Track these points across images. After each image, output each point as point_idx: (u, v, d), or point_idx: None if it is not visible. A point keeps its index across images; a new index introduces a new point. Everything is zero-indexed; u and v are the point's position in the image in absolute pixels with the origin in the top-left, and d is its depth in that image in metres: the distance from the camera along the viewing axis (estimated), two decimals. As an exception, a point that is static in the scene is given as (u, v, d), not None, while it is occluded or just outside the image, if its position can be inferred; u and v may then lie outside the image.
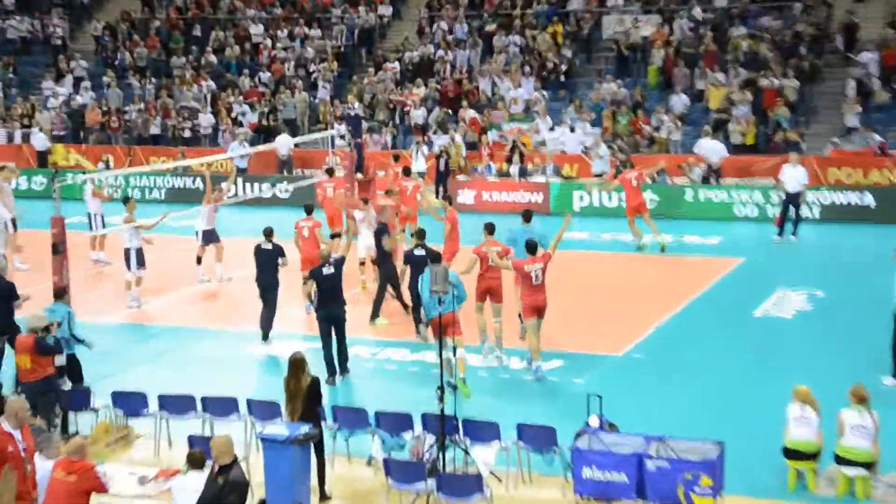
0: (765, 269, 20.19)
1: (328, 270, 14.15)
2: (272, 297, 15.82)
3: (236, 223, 24.58)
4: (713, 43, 29.81)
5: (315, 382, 10.74)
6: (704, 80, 29.17)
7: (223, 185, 20.80)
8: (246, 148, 28.07)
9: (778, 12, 30.60)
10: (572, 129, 27.19)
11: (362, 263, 18.42)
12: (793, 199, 21.84)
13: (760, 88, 28.20)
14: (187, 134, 31.68)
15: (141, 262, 18.17)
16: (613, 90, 29.48)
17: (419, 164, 26.11)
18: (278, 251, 15.85)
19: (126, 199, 18.78)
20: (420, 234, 15.29)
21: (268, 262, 15.79)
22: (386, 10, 35.20)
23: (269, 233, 16.06)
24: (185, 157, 28.20)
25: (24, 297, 14.11)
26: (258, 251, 15.89)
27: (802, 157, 25.27)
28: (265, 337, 15.87)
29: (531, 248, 14.32)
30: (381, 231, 16.64)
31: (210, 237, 19.52)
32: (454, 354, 13.41)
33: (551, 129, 27.88)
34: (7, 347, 13.59)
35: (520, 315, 15.26)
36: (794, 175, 21.80)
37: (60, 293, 13.71)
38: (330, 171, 20.58)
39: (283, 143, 28.58)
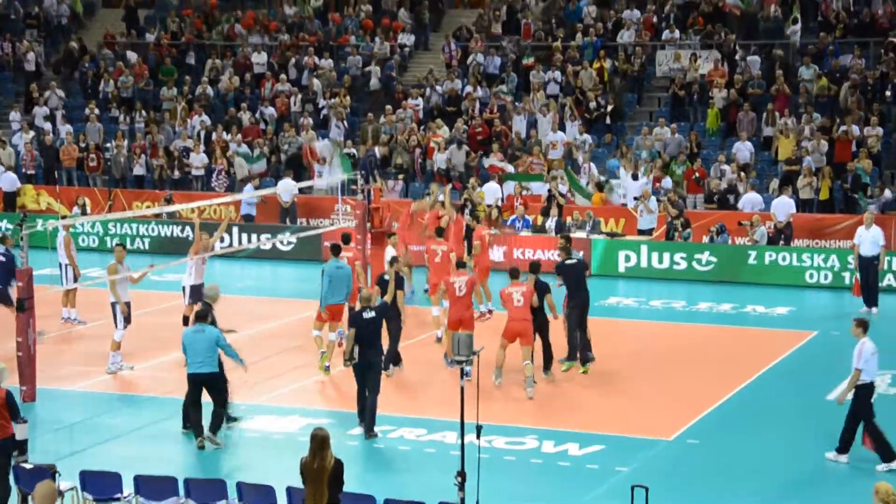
0: (841, 345, 20.03)
1: (369, 315, 15.19)
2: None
3: (230, 278, 24.80)
4: (784, 84, 30.04)
5: (339, 465, 10.63)
6: (772, 127, 29.36)
7: (214, 234, 21.01)
8: (260, 192, 28.24)
9: (860, 50, 30.85)
10: (635, 177, 27.34)
11: None
12: (867, 264, 21.87)
13: (837, 137, 28.37)
14: (176, 175, 32.05)
15: (128, 319, 18.34)
16: (667, 135, 29.72)
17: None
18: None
19: (118, 246, 18.98)
20: (366, 299, 15.66)
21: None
22: (407, 39, 35.71)
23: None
24: (172, 202, 28.51)
25: None
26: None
27: (886, 218, 25.34)
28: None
29: (513, 273, 17.45)
30: (397, 282, 17.68)
31: (198, 294, 19.64)
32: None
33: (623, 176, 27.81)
34: None
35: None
36: (868, 236, 21.86)
37: None
38: (346, 239, 20.23)
39: (286, 189, 28.87)
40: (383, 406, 15.93)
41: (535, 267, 17.93)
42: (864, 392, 14.19)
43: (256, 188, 28.55)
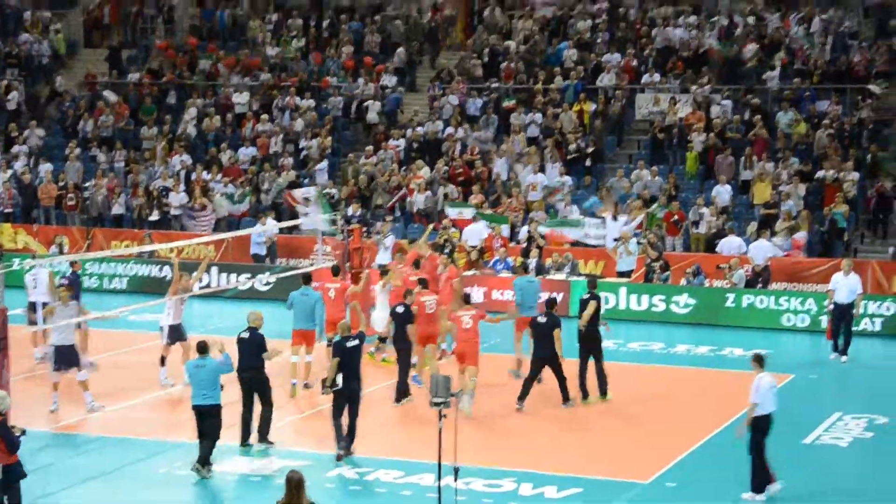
0: (818, 389, 20.25)
1: (352, 343, 15.69)
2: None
3: (208, 318, 24.78)
4: (762, 128, 30.33)
5: None
6: (751, 171, 29.62)
7: (193, 274, 21.03)
8: (269, 232, 28.23)
9: (837, 96, 31.19)
10: (615, 218, 27.49)
11: (382, 340, 20.81)
12: (843, 312, 21.77)
13: (815, 182, 28.62)
14: (155, 215, 32.08)
15: (67, 361, 18.09)
16: (647, 178, 29.94)
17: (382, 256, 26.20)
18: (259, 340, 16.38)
19: (60, 287, 19.03)
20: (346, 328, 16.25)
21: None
22: (389, 80, 35.94)
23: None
24: (151, 242, 28.51)
25: None
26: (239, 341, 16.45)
27: (862, 262, 25.54)
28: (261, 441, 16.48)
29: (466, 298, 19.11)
30: (408, 315, 18.44)
31: (176, 334, 19.66)
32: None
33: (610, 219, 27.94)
34: None
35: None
36: (846, 284, 21.72)
37: None
38: (335, 271, 20.84)
39: (266, 229, 28.88)
40: (361, 447, 15.94)
41: (550, 303, 18.62)
42: (759, 424, 14.46)
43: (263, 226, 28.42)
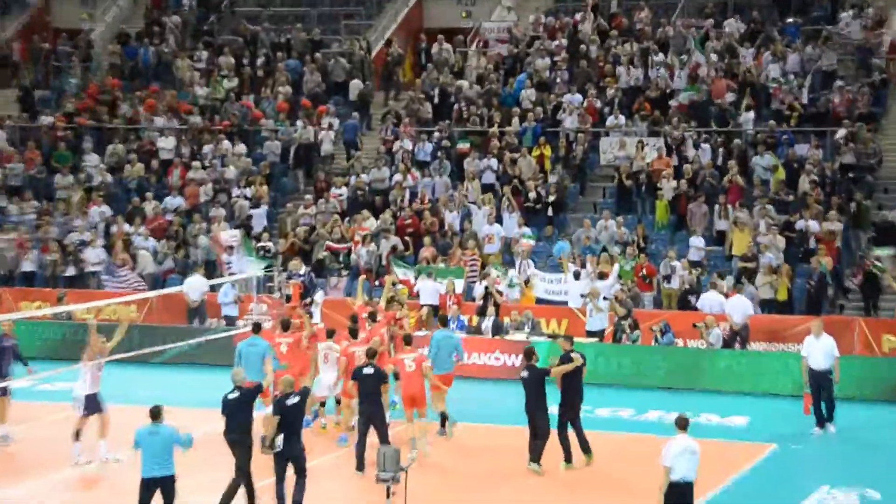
0: (804, 460, 20.13)
1: (292, 401, 15.84)
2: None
3: (128, 386, 24.32)
4: (737, 174, 30.47)
5: None
6: (726, 220, 29.71)
7: (113, 337, 20.53)
8: (236, 292, 27.83)
9: (818, 139, 31.43)
10: (577, 276, 27.40)
11: (322, 404, 21.11)
12: (820, 379, 21.06)
13: (796, 232, 28.75)
14: (70, 272, 31.61)
15: None
16: (613, 228, 29.94)
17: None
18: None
19: None
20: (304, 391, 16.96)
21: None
22: (330, 121, 35.81)
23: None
24: (66, 302, 28.04)
25: None
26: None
27: (848, 320, 25.56)
28: None
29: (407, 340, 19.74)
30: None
31: (92, 404, 19.26)
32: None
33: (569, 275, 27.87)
34: None
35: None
36: (819, 347, 21.11)
37: None
38: (286, 325, 21.22)
39: (195, 287, 28.56)
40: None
41: (529, 354, 18.88)
42: (675, 491, 14.30)
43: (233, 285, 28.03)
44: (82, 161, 35.63)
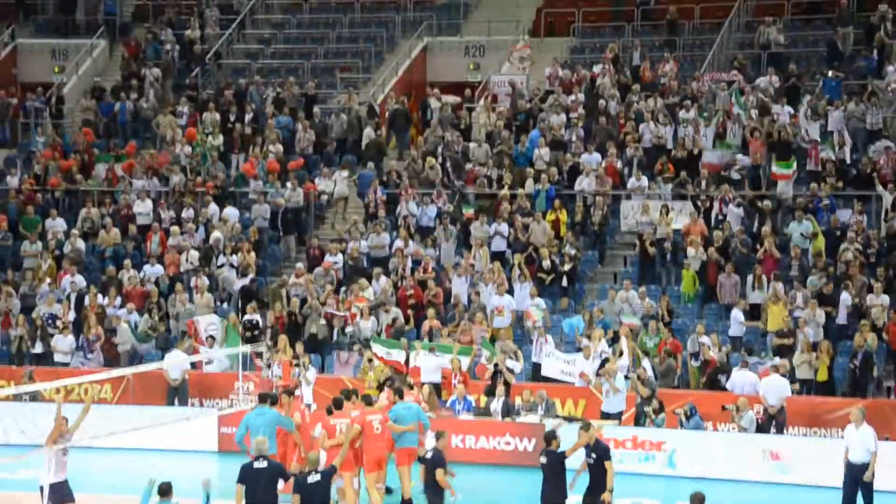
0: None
1: (314, 479, 16.77)
2: None
3: (98, 474, 24.29)
4: (772, 242, 30.57)
5: None
6: (760, 292, 29.77)
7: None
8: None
9: (861, 204, 31.58)
10: (587, 356, 27.46)
11: None
12: (857, 474, 20.69)
13: (837, 306, 28.82)
14: (38, 348, 31.63)
15: None
16: (635, 300, 30.00)
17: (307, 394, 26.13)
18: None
19: None
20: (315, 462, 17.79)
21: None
22: (326, 185, 36.01)
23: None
24: (33, 381, 28.02)
25: None
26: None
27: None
28: None
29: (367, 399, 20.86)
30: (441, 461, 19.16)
31: (60, 494, 19.19)
32: None
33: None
34: None
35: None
36: (857, 438, 20.73)
37: None
38: (272, 399, 21.51)
39: (176, 364, 28.58)
40: None
41: (549, 438, 19.01)
42: None
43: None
44: (50, 227, 35.69)
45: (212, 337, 30.05)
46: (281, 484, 17.89)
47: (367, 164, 36.19)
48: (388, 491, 21.64)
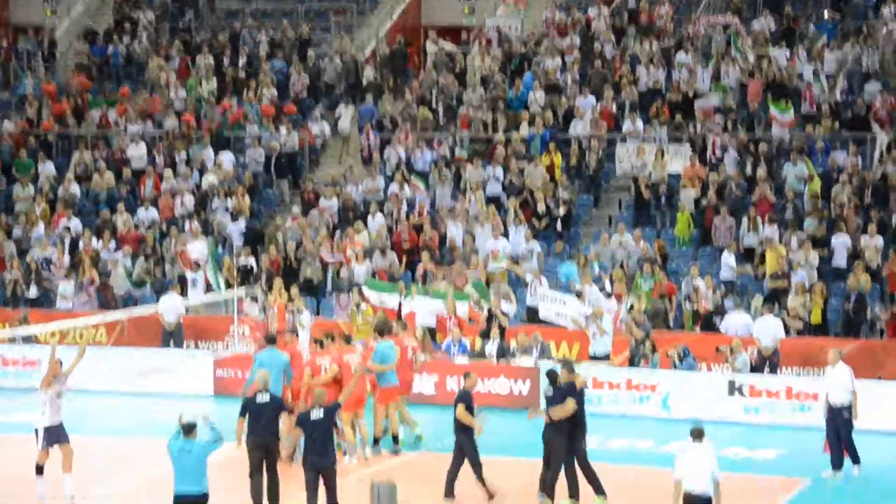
0: (842, 497, 20.17)
1: (316, 415, 17.06)
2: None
3: (93, 417, 24.41)
4: (767, 185, 30.58)
5: None
6: (755, 234, 29.82)
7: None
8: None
9: (856, 146, 31.56)
10: (579, 295, 27.54)
11: None
12: (836, 415, 20.71)
13: (831, 248, 28.88)
14: (34, 292, 31.69)
15: None
16: (630, 243, 30.04)
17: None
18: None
19: None
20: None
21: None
22: (321, 128, 35.94)
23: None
24: (28, 324, 28.12)
25: None
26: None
27: (890, 345, 25.54)
28: None
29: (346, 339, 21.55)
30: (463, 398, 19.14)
31: (55, 436, 19.27)
32: None
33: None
34: None
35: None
36: (835, 379, 20.83)
37: None
38: (271, 339, 21.71)
39: (171, 308, 28.65)
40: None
41: (552, 376, 18.83)
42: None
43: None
44: (43, 170, 35.67)
45: (197, 263, 30.21)
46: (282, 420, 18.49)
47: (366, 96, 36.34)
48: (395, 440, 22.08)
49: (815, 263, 28.58)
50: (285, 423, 19.34)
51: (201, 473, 15.62)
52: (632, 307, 27.43)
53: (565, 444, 18.48)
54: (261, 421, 17.92)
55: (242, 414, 18.11)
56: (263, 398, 18.08)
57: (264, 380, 18.46)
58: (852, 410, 20.59)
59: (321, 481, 17.06)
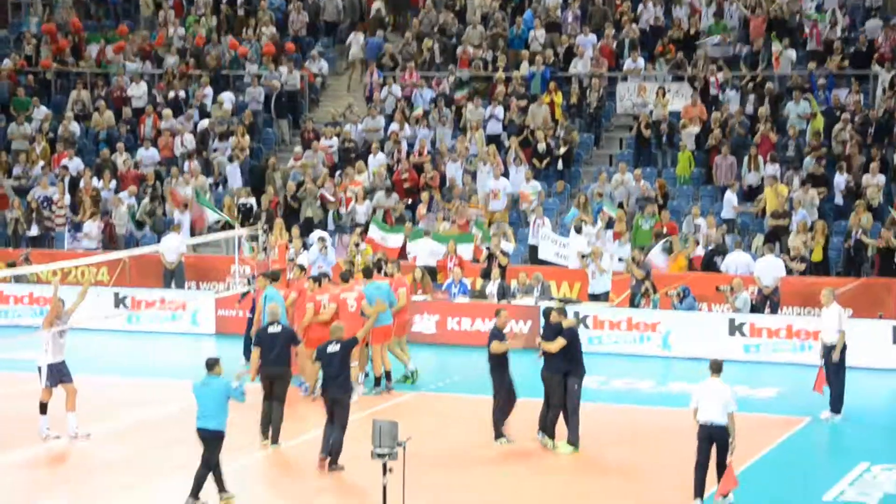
0: (841, 435, 20.27)
1: (333, 349, 17.60)
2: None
3: (96, 355, 24.48)
4: (769, 123, 30.49)
5: None
6: (756, 173, 29.76)
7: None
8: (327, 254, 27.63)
9: (858, 84, 31.42)
10: (578, 231, 27.54)
11: None
12: (826, 356, 20.60)
13: (832, 186, 28.81)
14: (34, 231, 31.68)
15: None
16: (630, 182, 30.00)
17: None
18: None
19: None
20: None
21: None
22: (319, 66, 35.78)
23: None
24: (30, 263, 28.15)
25: None
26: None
27: (890, 283, 25.56)
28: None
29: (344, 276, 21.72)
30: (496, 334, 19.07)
31: (58, 374, 19.34)
32: None
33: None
34: None
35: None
36: (827, 321, 20.69)
37: None
38: (274, 276, 22.21)
39: (172, 247, 28.66)
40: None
41: (547, 314, 18.98)
42: (703, 433, 15.91)
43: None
44: (41, 109, 35.55)
45: (185, 205, 30.19)
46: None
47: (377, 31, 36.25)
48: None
49: (816, 202, 28.55)
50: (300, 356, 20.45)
51: (219, 411, 15.87)
52: (632, 247, 27.43)
53: (562, 381, 18.55)
54: (273, 351, 18.49)
55: (256, 344, 18.82)
56: (275, 329, 18.70)
57: (274, 312, 19.03)
58: (836, 350, 20.44)
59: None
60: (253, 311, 22.49)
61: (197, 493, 15.77)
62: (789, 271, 26.59)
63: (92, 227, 31.18)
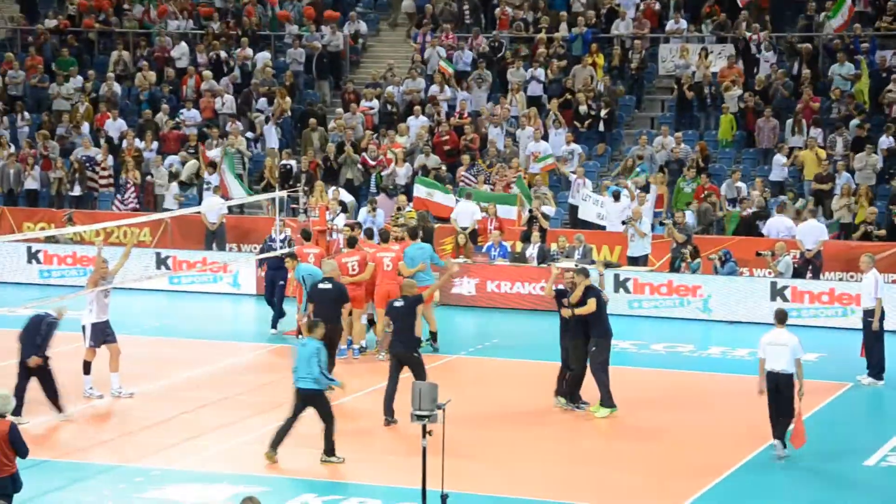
0: (883, 400, 20.21)
1: (399, 303, 18.21)
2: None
3: (140, 316, 24.65)
4: (811, 85, 30.25)
5: None
6: (799, 136, 29.57)
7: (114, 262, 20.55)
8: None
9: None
10: (616, 197, 27.49)
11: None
12: (867, 320, 20.57)
13: (876, 149, 28.59)
14: (77, 191, 31.87)
15: None
16: (671, 145, 29.87)
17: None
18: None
19: None
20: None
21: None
22: (360, 27, 35.72)
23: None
24: (73, 223, 28.33)
25: None
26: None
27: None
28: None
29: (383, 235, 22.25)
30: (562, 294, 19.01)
31: (101, 334, 19.50)
32: None
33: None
34: None
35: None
36: (865, 286, 20.79)
37: None
38: (307, 235, 22.92)
39: (213, 208, 28.77)
40: (327, 469, 15.93)
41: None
42: (770, 380, 16.51)
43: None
44: (86, 69, 35.70)
45: (213, 164, 30.23)
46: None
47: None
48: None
49: (860, 166, 28.35)
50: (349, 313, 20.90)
51: (309, 371, 16.16)
52: (673, 212, 27.34)
53: (585, 344, 18.58)
54: (324, 304, 19.24)
55: (309, 300, 19.66)
56: (325, 285, 19.49)
57: (327, 268, 19.87)
58: (874, 318, 20.38)
59: (401, 369, 17.91)
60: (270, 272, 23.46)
61: (330, 451, 16.32)
62: (839, 235, 26.42)
63: (175, 188, 31.29)
